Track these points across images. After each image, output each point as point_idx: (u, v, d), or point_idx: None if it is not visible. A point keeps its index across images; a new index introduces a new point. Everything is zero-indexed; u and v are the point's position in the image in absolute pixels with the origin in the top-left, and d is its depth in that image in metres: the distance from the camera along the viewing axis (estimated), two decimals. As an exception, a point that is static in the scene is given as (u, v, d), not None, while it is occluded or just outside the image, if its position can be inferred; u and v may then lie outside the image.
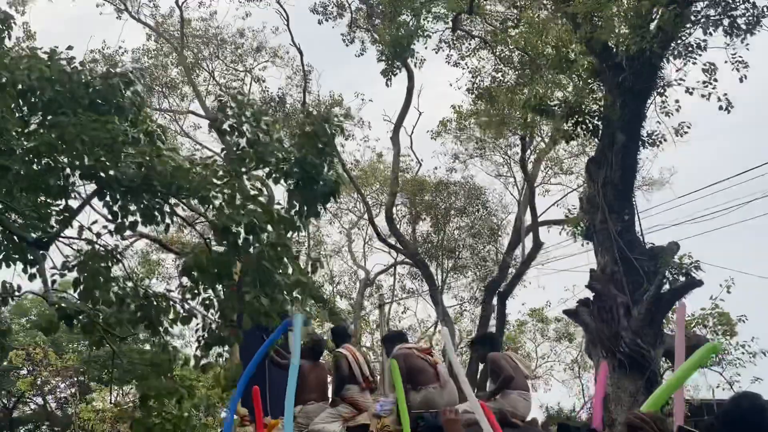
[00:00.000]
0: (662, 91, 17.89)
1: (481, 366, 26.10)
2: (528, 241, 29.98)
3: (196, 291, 7.80)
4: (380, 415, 10.20)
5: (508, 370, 10.05)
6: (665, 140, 18.41)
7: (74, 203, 8.08)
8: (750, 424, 5.09)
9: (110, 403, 28.66)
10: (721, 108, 17.84)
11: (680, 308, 10.25)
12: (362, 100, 38.67)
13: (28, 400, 39.24)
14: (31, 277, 7.98)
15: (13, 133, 7.57)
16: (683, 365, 6.65)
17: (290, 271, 7.78)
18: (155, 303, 7.81)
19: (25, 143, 7.42)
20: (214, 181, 7.56)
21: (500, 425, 9.26)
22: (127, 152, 7.46)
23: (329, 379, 11.58)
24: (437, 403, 9.93)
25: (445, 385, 10.23)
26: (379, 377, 10.74)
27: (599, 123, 17.66)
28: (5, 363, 33.34)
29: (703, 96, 17.74)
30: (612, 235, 16.93)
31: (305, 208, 7.89)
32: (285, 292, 7.59)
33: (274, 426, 10.18)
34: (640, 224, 17.61)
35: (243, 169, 7.93)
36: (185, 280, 7.97)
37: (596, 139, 18.41)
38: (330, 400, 10.55)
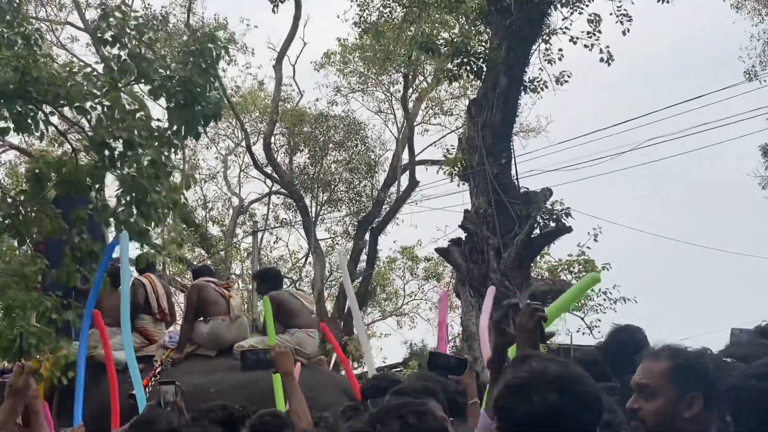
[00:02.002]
0: (547, 38, 18.13)
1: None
2: (404, 179, 30.24)
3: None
4: (167, 347, 10.18)
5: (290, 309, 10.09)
6: (546, 87, 18.68)
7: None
8: (627, 355, 5.26)
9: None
10: (602, 60, 18.21)
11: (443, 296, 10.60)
12: (247, 25, 38.03)
13: None
14: None
15: None
16: (566, 293, 6.84)
17: (171, 184, 7.65)
18: (23, 212, 7.58)
19: None
20: (94, 91, 7.33)
21: None
22: (2, 55, 7.16)
23: None
24: (224, 337, 10.06)
25: (236, 319, 10.28)
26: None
27: (483, 65, 17.75)
28: None
29: (586, 46, 18.06)
30: (488, 177, 17.13)
31: (184, 128, 7.73)
32: (160, 211, 7.45)
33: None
34: (516, 168, 17.89)
35: (123, 82, 7.70)
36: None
37: (479, 81, 18.53)
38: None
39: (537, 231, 16.96)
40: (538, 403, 2.75)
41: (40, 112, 7.48)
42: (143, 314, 10.30)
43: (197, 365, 9.75)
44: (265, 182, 33.66)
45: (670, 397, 3.43)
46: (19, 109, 7.26)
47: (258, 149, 31.16)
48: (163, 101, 7.88)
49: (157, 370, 9.57)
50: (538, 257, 18.19)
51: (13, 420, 4.18)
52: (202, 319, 10.20)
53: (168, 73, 7.58)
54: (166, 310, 10.70)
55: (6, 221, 7.45)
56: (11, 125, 7.49)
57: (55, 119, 8.39)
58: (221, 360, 9.88)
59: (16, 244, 7.86)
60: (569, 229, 17.11)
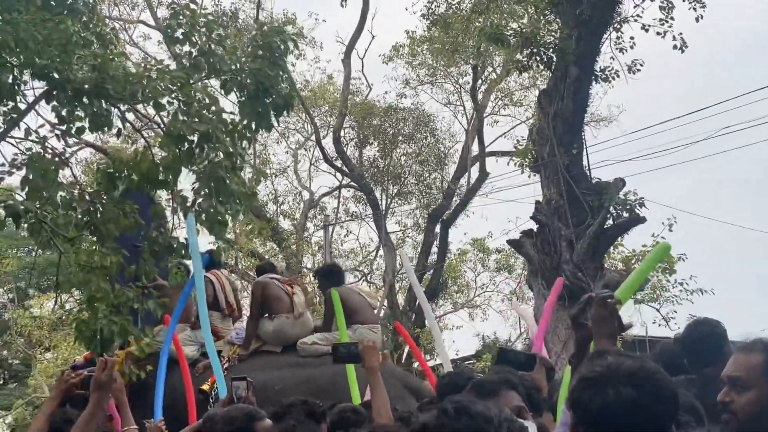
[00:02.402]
0: (618, 26, 17.93)
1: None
2: (474, 171, 30.13)
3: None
4: (234, 342, 10.28)
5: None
6: (618, 76, 18.46)
7: (23, 105, 7.92)
8: (706, 348, 5.20)
9: (54, 308, 28.47)
10: (675, 47, 17.95)
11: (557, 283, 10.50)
12: (315, 20, 38.12)
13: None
14: (-23, 175, 7.84)
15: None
16: (640, 265, 6.78)
17: (243, 179, 7.73)
18: (102, 209, 7.70)
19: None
20: (169, 86, 7.44)
21: None
22: (80, 53, 7.29)
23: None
24: (289, 333, 10.13)
25: (300, 316, 10.32)
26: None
27: (553, 55, 17.61)
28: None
29: (658, 34, 17.82)
30: (559, 168, 17.01)
31: (256, 121, 7.80)
32: (239, 201, 7.54)
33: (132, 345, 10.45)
34: (587, 159, 17.74)
35: (196, 77, 7.80)
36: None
37: (549, 72, 18.40)
38: (192, 323, 10.47)
39: (610, 222, 16.81)
40: (613, 397, 2.73)
41: (116, 110, 7.61)
42: (211, 311, 10.42)
43: (262, 361, 9.85)
44: (335, 176, 33.81)
45: (763, 390, 3.39)
46: (96, 108, 7.39)
47: (328, 143, 31.32)
48: (233, 96, 7.96)
49: (224, 366, 9.70)
50: (612, 248, 17.98)
51: (101, 415, 4.25)
52: (267, 315, 10.30)
53: (238, 66, 7.65)
54: (234, 305, 10.86)
55: (84, 218, 7.58)
56: (86, 125, 7.62)
57: (130, 116, 8.54)
58: (285, 356, 9.98)
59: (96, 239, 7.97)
60: (643, 220, 16.90)
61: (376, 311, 10.63)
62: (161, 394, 8.62)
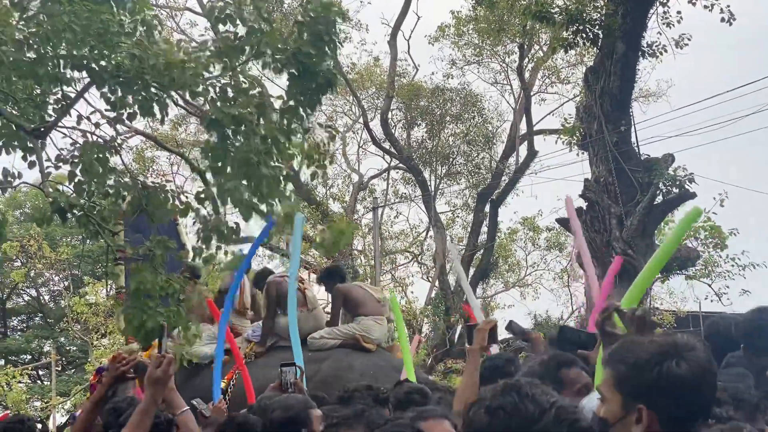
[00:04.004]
0: (665, 0, 17.73)
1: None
2: (522, 150, 30.03)
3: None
4: (250, 340, 10.47)
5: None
6: (665, 51, 18.26)
7: (72, 93, 8.01)
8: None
9: (106, 295, 28.83)
10: (723, 20, 17.71)
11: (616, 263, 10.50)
12: (361, 2, 38.05)
13: (21, 291, 39.56)
14: (31, 165, 7.95)
15: (12, 21, 7.46)
16: (674, 230, 6.78)
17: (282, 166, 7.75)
18: (152, 195, 7.79)
19: (19, 34, 7.32)
20: (208, 73, 7.49)
21: (353, 349, 10.17)
22: (121, 43, 7.35)
23: None
24: (302, 327, 10.19)
25: (313, 309, 10.61)
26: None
27: (599, 32, 17.45)
28: (-1, 254, 33.55)
29: (705, 7, 17.60)
30: (608, 145, 16.91)
31: (304, 100, 7.82)
32: (273, 186, 7.56)
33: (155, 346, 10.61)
34: (636, 135, 17.61)
35: (242, 59, 7.82)
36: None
37: (596, 49, 18.25)
38: (212, 321, 10.65)
39: (660, 198, 16.69)
40: (663, 373, 2.78)
41: (164, 95, 7.66)
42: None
43: (275, 357, 9.96)
44: (383, 158, 33.86)
45: None
46: (143, 94, 7.46)
47: (375, 125, 31.34)
48: (276, 78, 7.98)
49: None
50: (662, 224, 17.85)
51: (154, 410, 4.30)
52: (281, 312, 10.47)
53: (282, 46, 7.66)
54: (248, 303, 11.10)
55: (136, 204, 7.68)
56: (137, 110, 7.70)
57: (176, 103, 8.61)
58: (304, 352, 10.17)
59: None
60: (693, 195, 16.74)
61: (380, 304, 10.83)
62: (219, 376, 8.81)
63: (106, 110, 7.87)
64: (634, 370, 2.85)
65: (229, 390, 9.40)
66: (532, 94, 30.47)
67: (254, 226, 8.79)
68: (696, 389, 2.81)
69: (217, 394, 8.36)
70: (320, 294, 12.91)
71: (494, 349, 6.07)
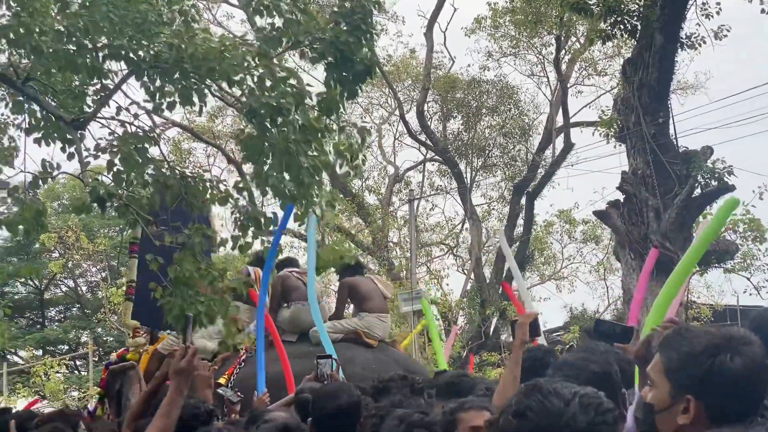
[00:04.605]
0: (704, -9, 17.60)
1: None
2: (559, 142, 29.90)
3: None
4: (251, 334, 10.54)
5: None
6: (704, 42, 18.10)
7: (111, 84, 8.05)
8: None
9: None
10: (763, 11, 17.51)
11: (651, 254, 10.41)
12: (397, -7, 38.16)
13: (59, 282, 39.94)
14: (70, 156, 8.00)
15: (51, 13, 7.51)
16: (710, 221, 6.70)
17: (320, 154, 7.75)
18: (191, 184, 7.82)
19: (58, 26, 7.36)
20: (246, 62, 7.50)
21: (355, 343, 10.21)
22: (159, 33, 7.38)
23: None
24: (304, 320, 10.34)
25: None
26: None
27: (638, 23, 17.33)
28: (37, 245, 33.86)
29: (745, -2, 17.42)
30: (645, 137, 16.81)
31: (342, 89, 7.81)
32: (312, 176, 7.57)
33: (162, 339, 11.01)
34: (674, 127, 17.50)
35: (279, 50, 7.83)
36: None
37: (633, 40, 18.14)
38: None
39: (698, 191, 16.57)
40: (715, 366, 2.76)
41: (202, 85, 7.68)
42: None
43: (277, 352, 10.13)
44: (419, 150, 33.84)
45: None
46: (182, 84, 7.48)
47: (411, 117, 31.34)
48: (312, 69, 8.00)
49: (243, 358, 9.97)
50: (700, 217, 17.71)
51: (180, 401, 4.32)
52: (285, 305, 10.60)
53: (319, 35, 7.66)
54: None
55: (175, 194, 7.71)
56: (177, 99, 7.72)
57: (213, 93, 8.63)
58: (299, 345, 10.22)
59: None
60: (732, 188, 16.59)
61: (387, 301, 10.97)
62: (263, 369, 8.86)
63: (144, 101, 7.90)
64: (685, 360, 2.82)
65: (229, 384, 9.43)
66: (568, 86, 30.30)
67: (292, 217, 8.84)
68: (748, 385, 2.77)
69: (262, 386, 8.39)
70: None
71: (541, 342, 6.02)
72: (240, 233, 7.85)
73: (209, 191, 7.85)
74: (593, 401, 2.49)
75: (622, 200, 17.19)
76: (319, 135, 7.56)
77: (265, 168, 7.52)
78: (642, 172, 16.89)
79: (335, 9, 7.84)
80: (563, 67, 29.78)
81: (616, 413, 2.54)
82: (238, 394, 7.46)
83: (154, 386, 4.98)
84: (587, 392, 2.53)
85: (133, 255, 11.29)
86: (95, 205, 7.43)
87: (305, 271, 10.99)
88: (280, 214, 8.76)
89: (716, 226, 6.88)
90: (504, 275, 29.54)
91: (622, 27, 17.54)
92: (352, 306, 11.17)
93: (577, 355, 4.27)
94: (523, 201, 29.90)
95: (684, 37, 17.52)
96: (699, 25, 17.98)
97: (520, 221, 30.32)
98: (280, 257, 11.04)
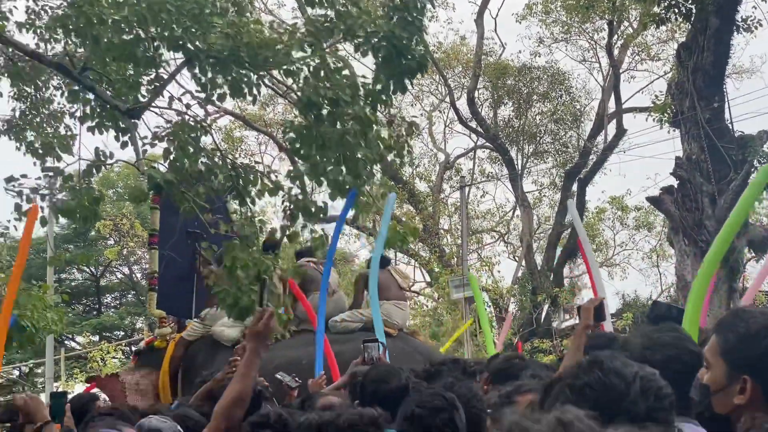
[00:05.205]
0: (761, -27, 17.34)
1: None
2: (611, 128, 29.64)
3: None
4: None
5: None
6: (760, 26, 17.85)
7: (165, 74, 8.13)
8: None
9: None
10: (821, -7, 17.25)
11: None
12: (447, -20, 37.99)
13: (114, 269, 40.46)
14: (123, 145, 8.10)
15: (105, 4, 7.59)
16: (746, 191, 6.62)
17: (375, 143, 7.78)
18: (243, 174, 7.89)
19: (115, 15, 7.44)
20: (300, 53, 7.53)
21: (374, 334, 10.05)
22: (215, 22, 7.44)
23: None
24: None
25: (333, 294, 10.81)
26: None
27: (692, 6, 17.12)
28: (93, 232, 34.31)
29: (803, -21, 17.16)
30: (700, 122, 16.62)
31: (392, 83, 7.83)
32: (367, 167, 7.60)
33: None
34: (729, 112, 17.28)
35: (330, 41, 7.86)
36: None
37: (688, 24, 17.92)
38: None
39: (754, 176, 16.34)
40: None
41: (254, 76, 7.73)
42: None
43: (296, 340, 10.36)
44: (470, 137, 33.75)
45: None
46: (234, 75, 7.54)
47: (462, 104, 31.25)
48: (367, 59, 8.01)
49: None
50: (756, 203, 17.49)
51: (257, 363, 4.42)
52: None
53: (372, 28, 7.67)
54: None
55: (228, 183, 7.78)
56: (227, 91, 7.78)
57: (266, 83, 8.68)
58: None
59: (237, 205, 8.17)
60: (789, 173, 16.35)
61: (403, 290, 11.25)
62: (321, 353, 8.94)
63: (196, 91, 7.97)
64: (742, 341, 2.80)
65: None
66: (621, 71, 30.00)
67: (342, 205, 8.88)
68: None
69: (319, 369, 8.47)
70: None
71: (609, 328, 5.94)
72: (289, 223, 7.91)
73: (260, 181, 7.91)
74: (653, 385, 2.46)
75: (676, 186, 17.01)
76: (371, 127, 7.58)
77: (319, 159, 7.56)
78: (696, 157, 16.71)
79: (388, 4, 7.84)
80: (616, 52, 29.48)
81: (673, 398, 2.51)
82: (296, 379, 7.52)
83: (254, 360, 5.01)
84: (647, 374, 2.50)
85: (153, 247, 11.51)
86: (153, 192, 7.53)
87: (321, 261, 11.12)
88: (330, 204, 8.80)
89: (754, 193, 6.76)
90: (555, 261, 29.43)
91: (676, 11, 17.34)
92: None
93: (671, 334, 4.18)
94: (575, 187, 29.69)
95: (740, 20, 17.29)
96: (755, 8, 17.76)
97: (572, 208, 30.12)
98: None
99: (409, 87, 8.16)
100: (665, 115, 18.40)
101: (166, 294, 11.28)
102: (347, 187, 7.71)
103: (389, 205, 9.49)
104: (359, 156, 7.63)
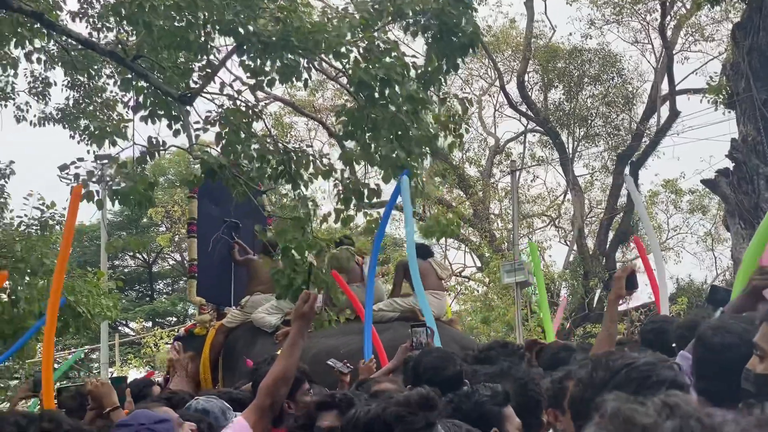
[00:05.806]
0: (819, -50, 16.98)
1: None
2: (664, 110, 29.28)
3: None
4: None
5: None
6: (818, 4, 17.51)
7: (216, 61, 8.15)
8: None
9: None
10: None
11: None
12: (496, -37, 37.72)
13: (166, 255, 40.83)
14: (176, 133, 8.14)
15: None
16: None
17: (427, 123, 7.74)
18: (295, 158, 7.89)
19: (166, 1, 7.46)
20: (349, 37, 7.52)
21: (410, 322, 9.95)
22: (264, 7, 7.45)
23: None
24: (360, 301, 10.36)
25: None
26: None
27: (748, -15, 16.88)
28: (145, 219, 34.62)
29: None
30: (756, 103, 16.34)
31: (445, 62, 7.79)
32: (421, 147, 7.57)
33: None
34: (786, 92, 16.97)
35: (380, 23, 7.83)
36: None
37: (743, 3, 17.64)
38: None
39: (812, 156, 16.10)
40: None
41: (304, 60, 7.73)
42: None
43: (335, 328, 10.23)
44: (520, 120, 33.53)
45: None
46: (284, 60, 7.54)
47: (512, 88, 31.07)
48: (416, 44, 7.98)
49: None
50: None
51: (301, 343, 4.44)
52: None
53: (421, 7, 7.63)
54: None
55: (280, 168, 7.79)
56: (276, 76, 7.79)
57: (316, 67, 8.67)
58: (354, 324, 10.21)
59: (290, 188, 8.20)
60: None
61: (442, 280, 11.05)
62: (370, 337, 8.92)
63: (247, 77, 7.99)
64: None
65: None
66: (674, 52, 29.59)
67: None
68: None
69: (368, 353, 8.46)
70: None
71: (641, 298, 5.81)
72: (342, 206, 7.91)
73: (312, 165, 7.92)
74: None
75: (731, 168, 16.77)
76: (424, 106, 7.56)
77: (372, 140, 7.54)
78: (753, 139, 16.44)
79: None
80: (669, 33, 29.08)
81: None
82: (348, 365, 7.51)
83: (298, 339, 5.03)
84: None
85: (191, 235, 11.62)
86: (206, 176, 7.57)
87: (360, 252, 11.10)
88: (383, 186, 8.74)
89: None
90: (608, 245, 29.19)
91: (731, -10, 17.11)
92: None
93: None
94: (627, 171, 29.37)
95: (797, -2, 16.98)
96: (812, -14, 17.37)
97: (624, 192, 29.83)
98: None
99: (462, 65, 8.10)
100: (720, 96, 18.15)
101: (205, 281, 11.44)
102: (400, 165, 7.68)
103: (405, 188, 9.35)
104: (412, 135, 7.61)
